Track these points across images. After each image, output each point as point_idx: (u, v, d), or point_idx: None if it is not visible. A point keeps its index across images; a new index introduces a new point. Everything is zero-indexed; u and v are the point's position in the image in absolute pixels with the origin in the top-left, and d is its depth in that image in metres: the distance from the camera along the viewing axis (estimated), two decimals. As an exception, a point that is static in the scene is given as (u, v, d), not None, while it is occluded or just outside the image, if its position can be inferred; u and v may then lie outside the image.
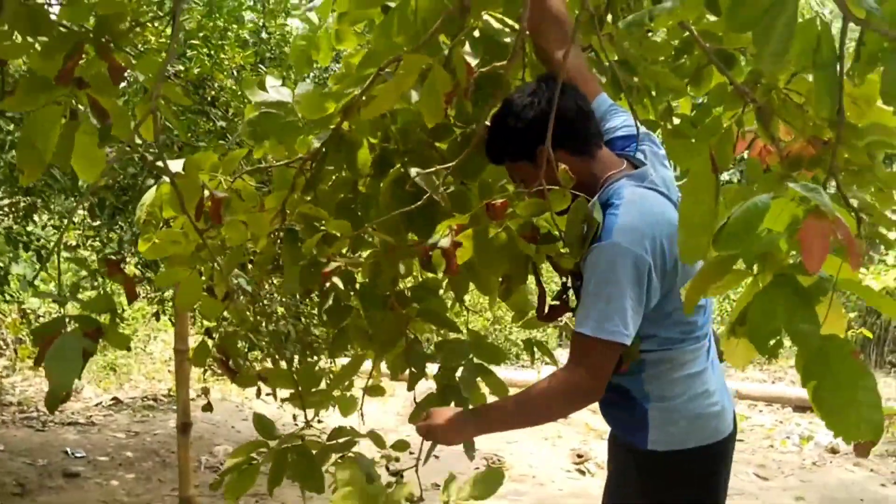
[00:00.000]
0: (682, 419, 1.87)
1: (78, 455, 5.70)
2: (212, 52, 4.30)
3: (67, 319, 1.49)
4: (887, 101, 1.43)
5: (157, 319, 5.59)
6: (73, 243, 5.49)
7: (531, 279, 1.89)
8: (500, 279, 1.93)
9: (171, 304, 5.80)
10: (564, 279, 1.87)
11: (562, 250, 1.76)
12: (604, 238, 1.68)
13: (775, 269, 1.35)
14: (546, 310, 1.86)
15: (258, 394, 3.36)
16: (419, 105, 1.70)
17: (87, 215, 4.87)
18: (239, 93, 4.56)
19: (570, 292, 1.87)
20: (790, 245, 1.32)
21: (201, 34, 4.21)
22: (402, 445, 2.11)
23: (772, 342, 1.30)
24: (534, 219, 1.71)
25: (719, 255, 1.40)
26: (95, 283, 5.36)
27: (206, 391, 7.90)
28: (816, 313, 1.31)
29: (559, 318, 1.92)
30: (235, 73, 4.64)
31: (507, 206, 1.61)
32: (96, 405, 7.28)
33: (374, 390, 2.23)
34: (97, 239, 5.17)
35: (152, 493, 5.05)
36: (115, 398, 7.46)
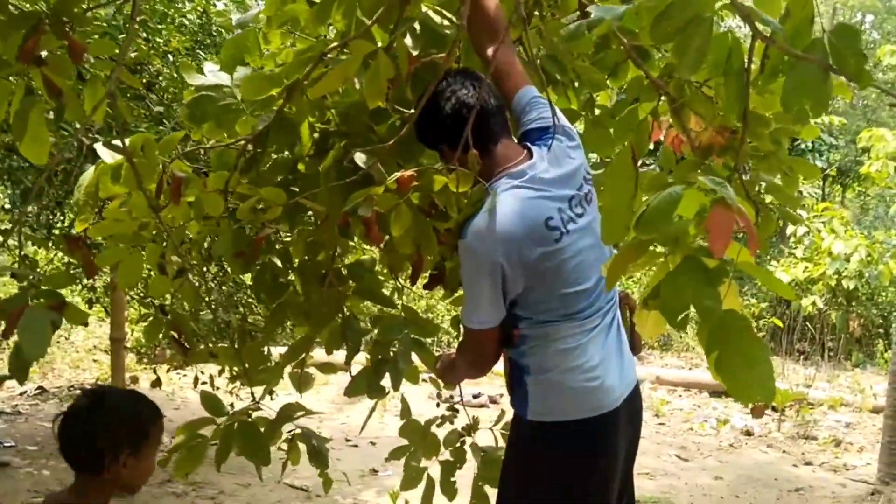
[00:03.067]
0: (557, 391, 1.95)
1: (7, 444, 5.59)
2: (149, 37, 4.28)
3: (30, 294, 1.56)
4: (787, 109, 1.58)
5: (91, 307, 5.53)
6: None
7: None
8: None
9: (104, 292, 5.76)
10: (444, 252, 2.03)
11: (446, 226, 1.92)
12: (464, 236, 1.85)
13: (685, 251, 1.50)
14: (417, 278, 2.05)
15: (195, 383, 3.35)
16: (364, 88, 1.80)
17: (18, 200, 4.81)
18: (175, 76, 4.55)
19: (447, 264, 2.07)
20: (698, 230, 1.48)
21: (139, 18, 4.20)
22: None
23: (681, 316, 1.45)
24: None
25: (637, 237, 1.55)
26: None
27: (134, 380, 7.79)
28: (719, 292, 1.47)
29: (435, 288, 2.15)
30: (171, 57, 4.62)
31: (414, 179, 1.73)
32: (21, 394, 7.14)
33: (325, 368, 2.30)
34: (26, 225, 5.09)
35: (83, 481, 5.01)
36: (40, 387, 7.33)
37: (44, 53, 1.56)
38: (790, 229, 9.75)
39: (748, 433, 7.06)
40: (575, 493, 1.97)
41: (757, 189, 2.51)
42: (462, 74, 1.94)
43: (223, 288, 4.80)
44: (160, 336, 2.15)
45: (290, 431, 2.19)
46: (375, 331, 2.21)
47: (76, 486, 1.75)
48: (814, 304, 9.85)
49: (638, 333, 2.18)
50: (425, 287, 2.06)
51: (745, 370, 1.42)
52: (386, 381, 2.18)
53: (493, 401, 7.65)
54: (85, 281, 5.52)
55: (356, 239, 2.16)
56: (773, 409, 7.65)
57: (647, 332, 1.63)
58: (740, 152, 1.75)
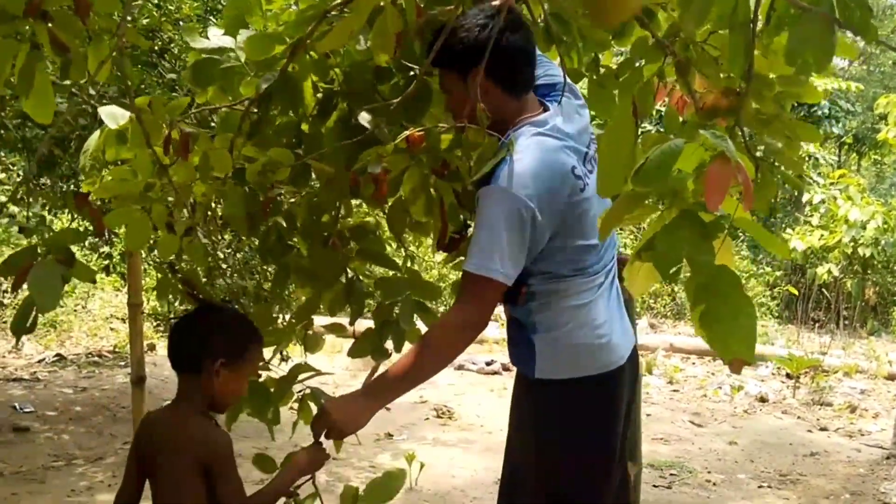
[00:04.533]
0: (566, 348, 1.94)
1: (26, 410, 5.71)
2: (160, 4, 4.29)
3: (39, 248, 1.58)
4: (790, 62, 1.56)
5: (108, 273, 5.60)
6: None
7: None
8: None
9: (120, 259, 5.82)
10: (464, 214, 1.98)
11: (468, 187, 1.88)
12: (492, 182, 1.78)
13: (682, 205, 1.50)
14: (447, 241, 1.97)
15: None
16: (371, 41, 1.78)
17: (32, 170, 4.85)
18: (186, 43, 4.53)
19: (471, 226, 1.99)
20: (696, 185, 1.48)
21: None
22: None
23: (673, 269, 1.45)
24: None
25: (635, 189, 1.55)
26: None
27: (151, 347, 7.87)
28: (713, 247, 1.47)
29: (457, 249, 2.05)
30: (182, 24, 4.62)
31: (424, 138, 1.70)
32: (39, 362, 7.27)
33: (333, 328, 2.28)
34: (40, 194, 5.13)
35: (104, 446, 5.09)
36: (58, 355, 7.46)
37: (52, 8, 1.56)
38: (806, 196, 9.68)
39: (763, 399, 7.06)
40: (587, 449, 1.98)
41: (758, 153, 2.49)
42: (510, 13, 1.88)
43: (237, 255, 4.85)
44: (170, 296, 2.16)
45: (300, 392, 2.21)
46: (378, 293, 2.21)
47: (179, 389, 1.85)
48: (829, 271, 9.80)
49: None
50: (446, 249, 2.00)
51: (729, 324, 1.42)
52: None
53: (505, 368, 7.68)
54: (102, 249, 5.58)
55: (358, 202, 2.15)
56: (788, 376, 7.65)
57: (637, 285, 1.63)
58: (743, 108, 1.73)
